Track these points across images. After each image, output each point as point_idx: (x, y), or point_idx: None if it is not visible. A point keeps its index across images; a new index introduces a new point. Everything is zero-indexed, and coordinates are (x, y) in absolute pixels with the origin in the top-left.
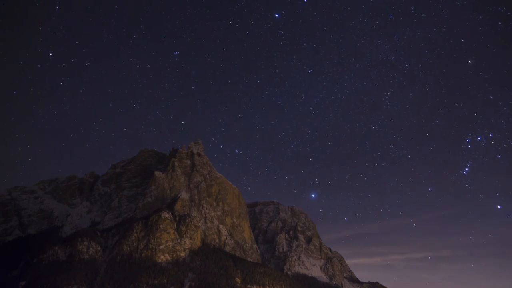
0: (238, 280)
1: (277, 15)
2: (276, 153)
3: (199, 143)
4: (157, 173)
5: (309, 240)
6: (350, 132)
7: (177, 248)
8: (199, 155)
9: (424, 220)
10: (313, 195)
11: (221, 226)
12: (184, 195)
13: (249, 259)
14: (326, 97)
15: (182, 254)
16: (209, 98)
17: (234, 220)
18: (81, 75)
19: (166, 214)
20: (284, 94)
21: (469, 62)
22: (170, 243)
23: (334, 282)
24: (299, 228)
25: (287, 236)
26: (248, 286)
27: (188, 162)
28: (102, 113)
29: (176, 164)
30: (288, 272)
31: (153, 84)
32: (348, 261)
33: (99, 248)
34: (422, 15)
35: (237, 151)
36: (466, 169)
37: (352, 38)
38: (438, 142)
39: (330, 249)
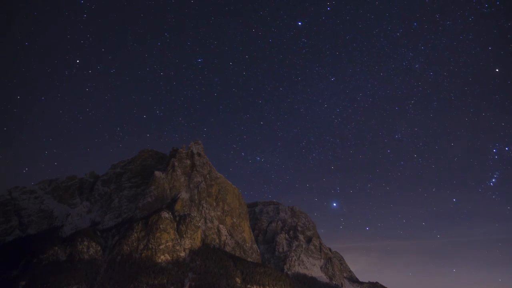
0: (238, 280)
1: (300, 23)
2: (298, 161)
3: (199, 143)
4: (157, 173)
5: (309, 240)
6: (372, 140)
7: (177, 248)
8: (199, 155)
9: (448, 232)
10: (334, 204)
11: (221, 226)
12: (184, 195)
13: (249, 259)
14: (348, 105)
15: (182, 254)
16: (231, 105)
17: (234, 220)
18: (107, 81)
19: (166, 214)
20: (306, 102)
21: (497, 70)
22: (170, 243)
23: (334, 282)
24: (299, 228)
25: (287, 236)
26: (248, 286)
27: (188, 162)
28: (127, 119)
29: (176, 164)
30: (288, 272)
31: (176, 91)
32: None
33: (99, 248)
34: (448, 22)
35: (258, 158)
36: (493, 180)
37: (375, 46)
38: (464, 152)
39: (330, 249)
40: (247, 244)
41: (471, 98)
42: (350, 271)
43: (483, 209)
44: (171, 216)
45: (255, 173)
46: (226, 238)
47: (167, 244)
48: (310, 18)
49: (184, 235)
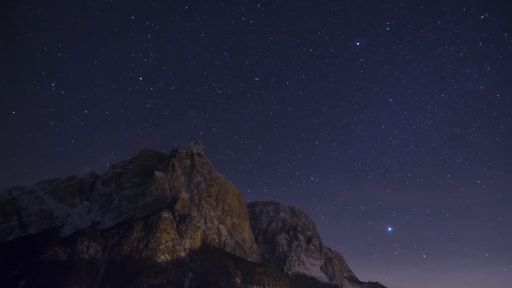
0: (238, 280)
1: (358, 43)
2: (352, 183)
3: (199, 143)
4: (157, 173)
5: (309, 240)
6: (432, 164)
7: (177, 248)
8: (199, 155)
9: None
10: (389, 228)
11: (221, 226)
12: (184, 195)
13: (249, 259)
14: (407, 127)
15: (182, 254)
16: (286, 124)
17: (234, 220)
18: (167, 98)
19: (166, 214)
20: (363, 123)
21: None
22: (170, 243)
23: (334, 282)
24: (299, 228)
25: (287, 236)
26: (248, 286)
27: (188, 162)
28: (184, 136)
29: (176, 164)
30: (288, 272)
31: (233, 108)
32: None
33: (99, 248)
34: None
35: (312, 178)
36: None
37: (436, 66)
38: None
39: (330, 249)
40: (247, 244)
41: None
42: (350, 271)
43: None
44: (171, 216)
45: (308, 193)
46: (226, 238)
47: (167, 244)
48: (369, 38)
49: (184, 235)
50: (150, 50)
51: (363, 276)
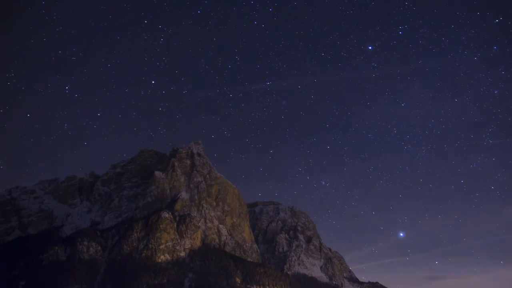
0: (238, 280)
1: (370, 47)
2: (364, 188)
3: (199, 143)
4: (157, 173)
5: (309, 240)
6: (444, 169)
7: (177, 248)
8: (199, 155)
9: None
10: (401, 234)
11: (221, 226)
12: (184, 195)
13: (249, 259)
14: (419, 132)
15: (182, 254)
16: (298, 128)
17: (234, 220)
18: (179, 101)
19: (166, 214)
20: (375, 127)
21: None
22: (170, 243)
23: (334, 282)
24: (299, 228)
25: (287, 236)
26: (248, 286)
27: (188, 162)
28: (196, 139)
29: (176, 164)
30: (288, 272)
31: (244, 112)
32: None
33: (99, 248)
34: None
35: (323, 183)
36: None
37: (450, 71)
38: None
39: (330, 249)
40: (247, 244)
41: None
42: (350, 271)
43: None
44: (171, 216)
45: (320, 197)
46: (226, 238)
47: (167, 244)
48: (381, 42)
49: (184, 235)
50: (162, 53)
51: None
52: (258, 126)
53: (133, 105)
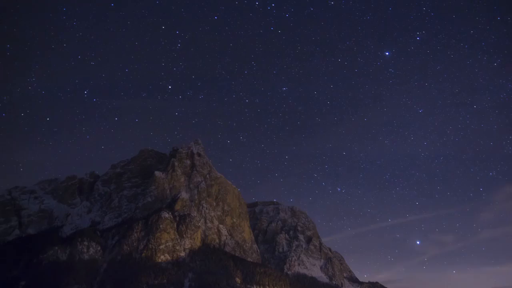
0: (238, 280)
1: (387, 53)
2: (380, 195)
3: (199, 143)
4: (157, 173)
5: (309, 240)
6: (463, 177)
7: (177, 248)
8: (199, 155)
9: None
10: (418, 242)
11: (221, 226)
12: (184, 195)
13: (249, 259)
14: (437, 139)
15: (182, 254)
16: (314, 134)
17: (234, 220)
18: (195, 106)
19: (166, 214)
20: (391, 134)
21: None
22: (170, 243)
23: (334, 282)
24: (299, 228)
25: (287, 236)
26: (248, 286)
27: (188, 162)
28: (212, 144)
29: (176, 164)
30: (288, 272)
31: (260, 118)
32: None
33: (99, 248)
34: None
35: (339, 189)
36: None
37: (469, 77)
38: None
39: (330, 249)
40: (247, 244)
41: None
42: (350, 271)
43: None
44: (171, 216)
45: (335, 203)
46: (226, 238)
47: (167, 244)
48: (398, 48)
49: (184, 235)
50: (179, 59)
51: None
52: (274, 131)
53: (149, 110)
